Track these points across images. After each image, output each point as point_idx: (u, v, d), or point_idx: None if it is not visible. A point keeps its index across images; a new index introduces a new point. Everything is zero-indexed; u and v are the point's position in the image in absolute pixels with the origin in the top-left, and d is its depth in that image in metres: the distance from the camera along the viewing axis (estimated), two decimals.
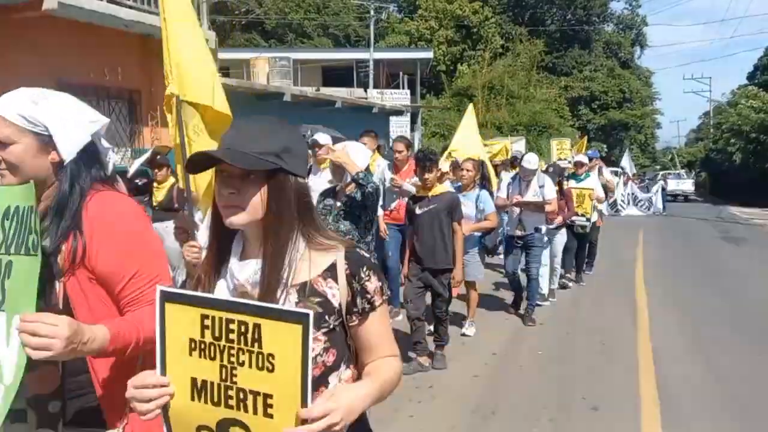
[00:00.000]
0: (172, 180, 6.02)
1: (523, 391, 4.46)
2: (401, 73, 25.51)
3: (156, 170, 6.23)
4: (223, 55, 17.80)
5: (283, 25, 32.97)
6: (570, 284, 8.21)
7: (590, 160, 9.47)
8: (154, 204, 6.07)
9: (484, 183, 5.89)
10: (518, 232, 6.29)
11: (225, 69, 18.06)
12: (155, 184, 6.21)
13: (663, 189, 23.61)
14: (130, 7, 8.12)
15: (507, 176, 8.09)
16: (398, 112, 19.76)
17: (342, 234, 3.39)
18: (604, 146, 36.92)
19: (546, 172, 7.12)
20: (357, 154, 3.78)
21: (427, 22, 35.31)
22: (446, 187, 5.22)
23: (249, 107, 11.01)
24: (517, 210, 6.30)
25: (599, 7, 41.22)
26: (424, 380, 4.57)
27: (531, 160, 6.33)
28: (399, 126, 21.45)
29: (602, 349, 5.48)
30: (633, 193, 18.21)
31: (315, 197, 6.06)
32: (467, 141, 8.43)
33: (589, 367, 4.98)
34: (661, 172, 35.85)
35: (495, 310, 6.65)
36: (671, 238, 14.84)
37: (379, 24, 33.14)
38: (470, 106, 9.36)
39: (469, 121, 8.77)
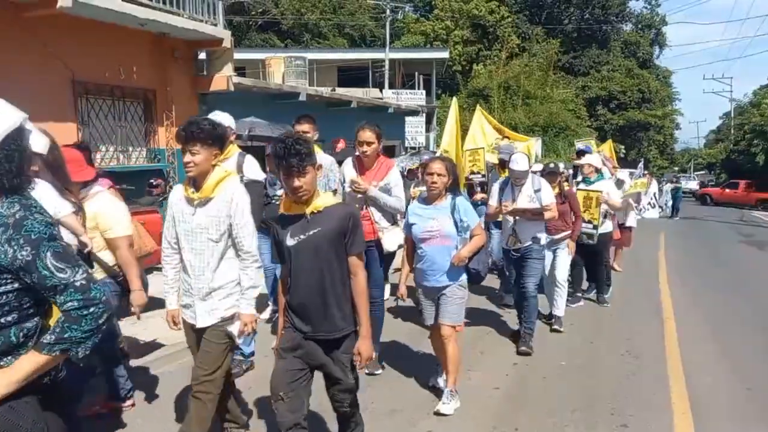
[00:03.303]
0: None
1: (547, 404, 4.24)
2: (417, 74, 25.35)
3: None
4: (240, 55, 17.75)
5: (299, 25, 32.93)
6: (581, 302, 7.18)
7: (581, 154, 8.24)
8: None
9: (455, 188, 4.10)
10: (512, 245, 5.48)
11: (241, 69, 18.01)
12: None
13: (675, 190, 21.62)
14: (146, 6, 8.03)
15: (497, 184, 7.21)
16: (414, 113, 19.61)
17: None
18: (622, 147, 36.36)
19: (543, 174, 6.02)
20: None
21: (443, 22, 35.09)
22: (334, 198, 3.24)
23: (264, 107, 10.93)
24: (510, 219, 5.44)
25: (617, 6, 40.67)
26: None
27: (519, 161, 5.35)
28: (414, 126, 21.27)
29: (629, 359, 5.24)
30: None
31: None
32: (454, 141, 7.86)
33: (617, 378, 4.75)
34: (678, 174, 35.45)
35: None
36: (693, 242, 14.50)
37: (395, 24, 32.96)
38: (453, 100, 8.52)
39: (453, 119, 7.90)
